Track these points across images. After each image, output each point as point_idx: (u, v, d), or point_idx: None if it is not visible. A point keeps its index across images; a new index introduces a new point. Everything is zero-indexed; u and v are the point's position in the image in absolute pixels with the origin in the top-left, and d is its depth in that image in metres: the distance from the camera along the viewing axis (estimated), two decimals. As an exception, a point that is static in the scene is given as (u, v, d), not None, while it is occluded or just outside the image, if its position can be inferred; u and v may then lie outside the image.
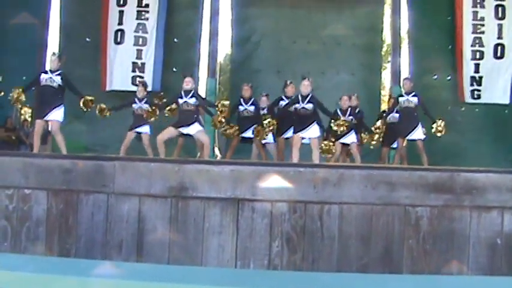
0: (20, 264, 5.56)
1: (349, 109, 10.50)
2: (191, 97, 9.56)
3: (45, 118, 9.41)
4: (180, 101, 9.59)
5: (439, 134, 10.52)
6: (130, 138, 10.65)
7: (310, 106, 9.38)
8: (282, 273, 5.57)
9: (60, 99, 9.41)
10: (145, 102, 10.67)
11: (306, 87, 9.49)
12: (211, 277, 5.44)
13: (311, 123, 9.38)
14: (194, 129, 9.55)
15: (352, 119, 10.40)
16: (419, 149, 10.62)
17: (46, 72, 9.50)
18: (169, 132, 9.57)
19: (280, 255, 5.62)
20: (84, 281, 5.25)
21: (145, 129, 10.63)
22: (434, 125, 10.50)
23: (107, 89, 12.65)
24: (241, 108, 10.49)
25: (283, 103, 10.17)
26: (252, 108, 10.47)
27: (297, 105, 9.52)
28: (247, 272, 5.59)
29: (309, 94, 9.48)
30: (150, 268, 5.54)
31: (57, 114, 9.37)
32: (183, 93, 9.60)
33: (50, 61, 9.67)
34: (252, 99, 10.55)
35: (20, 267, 5.44)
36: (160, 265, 5.62)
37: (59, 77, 9.37)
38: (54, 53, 9.93)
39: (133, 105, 10.72)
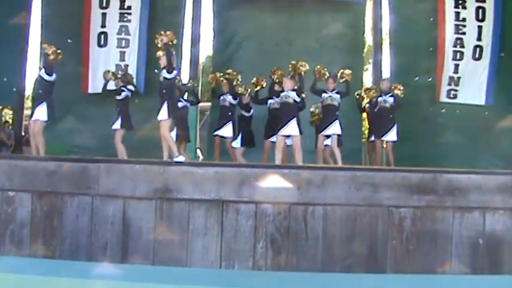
0: (20, 266, 5.57)
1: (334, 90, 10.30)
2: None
3: (32, 118, 9.26)
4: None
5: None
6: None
7: (291, 97, 9.23)
8: (266, 273, 5.61)
9: (45, 96, 9.12)
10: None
11: (288, 84, 9.25)
12: (196, 278, 5.48)
13: (290, 120, 9.16)
14: (161, 115, 8.56)
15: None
16: (387, 150, 10.75)
17: (40, 69, 9.48)
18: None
19: (264, 256, 5.65)
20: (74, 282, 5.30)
21: (116, 125, 10.00)
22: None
23: (90, 91, 12.50)
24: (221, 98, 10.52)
25: (272, 102, 10.16)
26: (230, 97, 10.48)
27: (283, 99, 9.26)
28: (231, 272, 5.62)
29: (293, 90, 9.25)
30: (135, 269, 5.55)
31: (39, 113, 9.09)
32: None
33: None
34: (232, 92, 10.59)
35: (20, 270, 5.45)
36: (146, 266, 5.63)
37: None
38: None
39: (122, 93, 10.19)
